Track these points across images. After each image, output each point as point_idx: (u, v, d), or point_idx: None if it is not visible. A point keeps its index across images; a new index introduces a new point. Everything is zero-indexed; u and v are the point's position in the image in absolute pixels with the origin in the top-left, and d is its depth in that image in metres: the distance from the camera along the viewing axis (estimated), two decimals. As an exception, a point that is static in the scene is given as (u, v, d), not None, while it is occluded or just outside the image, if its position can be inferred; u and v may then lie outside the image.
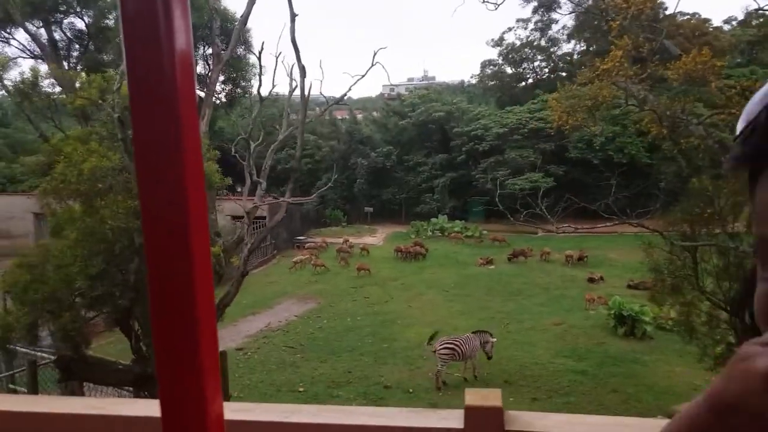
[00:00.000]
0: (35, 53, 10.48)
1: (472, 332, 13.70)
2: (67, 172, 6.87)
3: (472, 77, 50.10)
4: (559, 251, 25.57)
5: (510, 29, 44.22)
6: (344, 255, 24.82)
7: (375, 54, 10.57)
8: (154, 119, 0.41)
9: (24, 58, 10.67)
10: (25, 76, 11.37)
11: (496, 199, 15.45)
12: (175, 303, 0.43)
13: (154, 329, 0.42)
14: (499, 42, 42.43)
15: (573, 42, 42.45)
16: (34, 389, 7.52)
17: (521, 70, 42.60)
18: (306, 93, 9.27)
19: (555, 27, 53.23)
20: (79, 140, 7.81)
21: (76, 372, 6.66)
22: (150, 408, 1.17)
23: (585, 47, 40.86)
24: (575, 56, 43.06)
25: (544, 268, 23.45)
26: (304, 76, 8.83)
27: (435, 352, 12.69)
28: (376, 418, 1.13)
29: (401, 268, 23.85)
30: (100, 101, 8.03)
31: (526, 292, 20.24)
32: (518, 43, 42.44)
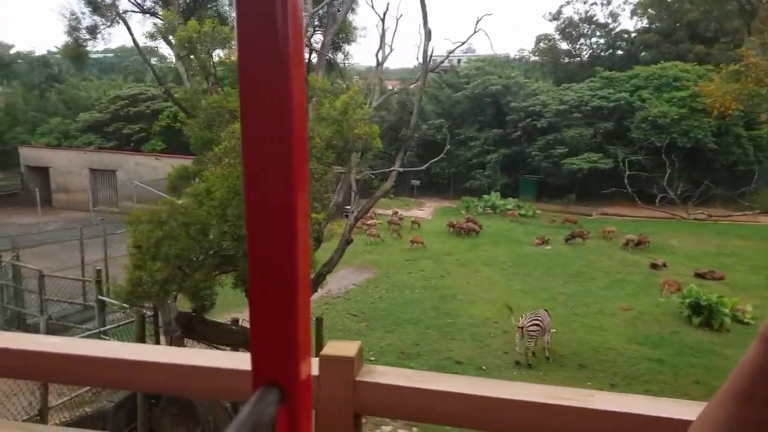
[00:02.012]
0: (146, 7, 10.29)
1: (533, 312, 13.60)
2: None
3: (519, 51, 48.50)
4: (616, 235, 24.92)
5: (568, 3, 42.50)
6: (395, 227, 24.67)
7: (478, 21, 10.04)
8: (262, 80, 0.41)
9: (134, 12, 10.47)
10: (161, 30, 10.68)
11: (625, 181, 14.84)
12: (275, 262, 0.44)
13: (251, 286, 0.43)
14: (556, 16, 40.89)
15: (635, 18, 40.65)
16: (141, 342, 7.63)
17: (578, 46, 41.04)
18: (428, 57, 8.90)
19: (615, 2, 51.06)
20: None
21: (196, 330, 6.67)
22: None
23: (648, 24, 39.05)
24: (632, 34, 41.26)
25: (603, 251, 22.85)
26: (429, 40, 8.43)
27: (522, 328, 12.55)
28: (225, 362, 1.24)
29: (454, 244, 23.57)
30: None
31: (587, 275, 19.77)
32: (576, 17, 40.85)
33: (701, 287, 16.98)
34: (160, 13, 9.65)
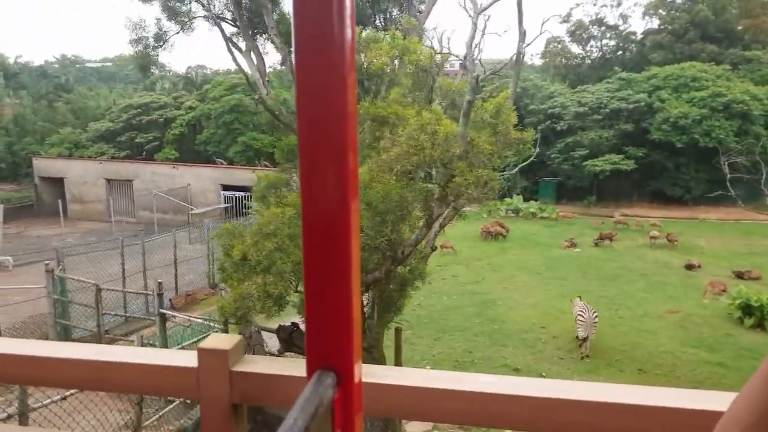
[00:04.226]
0: (215, 13, 9.99)
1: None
2: (420, 137, 6.42)
3: (533, 55, 48.46)
4: (641, 236, 24.80)
5: (578, 5, 42.58)
6: (422, 232, 24.46)
7: (543, 23, 9.87)
8: (319, 87, 0.44)
9: (201, 18, 10.20)
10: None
11: (729, 182, 14.61)
12: (330, 260, 0.47)
13: (307, 281, 0.47)
14: (566, 18, 40.86)
15: (646, 19, 40.66)
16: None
17: (588, 48, 41.05)
18: (521, 58, 8.71)
19: (625, 3, 51.26)
20: (399, 104, 7.38)
21: (296, 344, 6.39)
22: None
23: (660, 24, 39.06)
24: (639, 35, 41.32)
25: (634, 252, 22.66)
26: (523, 41, 8.22)
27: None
28: (124, 356, 1.29)
29: (483, 248, 23.34)
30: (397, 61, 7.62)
31: (624, 278, 19.56)
32: (587, 20, 40.85)
33: (738, 287, 16.83)
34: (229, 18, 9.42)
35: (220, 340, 1.32)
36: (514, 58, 8.59)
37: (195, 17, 10.44)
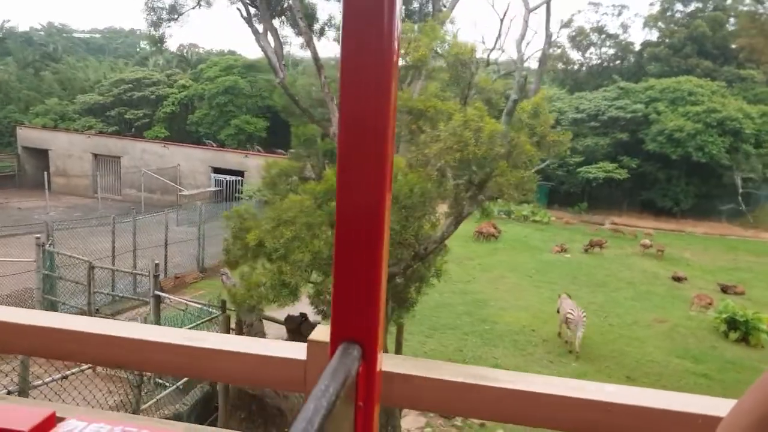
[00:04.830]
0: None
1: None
2: (464, 133, 6.26)
3: (528, 58, 48.60)
4: (630, 246, 25.09)
5: (579, 11, 42.66)
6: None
7: (562, 26, 9.72)
8: (363, 82, 0.44)
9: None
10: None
11: (741, 196, 14.75)
12: (363, 243, 0.47)
13: (336, 259, 0.47)
14: (567, 24, 41.00)
15: (646, 30, 41.01)
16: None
17: (587, 55, 41.27)
18: (545, 59, 8.60)
19: (626, 13, 51.58)
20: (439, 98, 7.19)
21: (305, 335, 6.26)
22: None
23: (657, 38, 39.43)
24: (638, 46, 41.72)
25: (623, 261, 22.89)
26: (549, 44, 8.10)
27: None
28: (232, 345, 1.23)
29: (474, 248, 23.35)
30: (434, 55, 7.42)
31: (612, 285, 19.75)
32: (588, 27, 41.06)
33: (725, 302, 17.10)
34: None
35: (325, 332, 1.23)
36: (539, 58, 8.52)
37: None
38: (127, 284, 14.51)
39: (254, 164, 27.47)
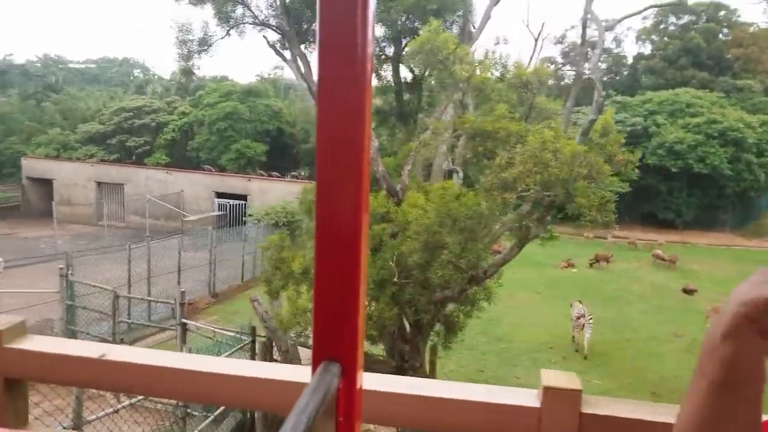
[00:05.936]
0: (261, 19, 9.79)
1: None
2: (544, 155, 6.32)
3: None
4: (636, 259, 25.19)
5: (572, 27, 43.37)
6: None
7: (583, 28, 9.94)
8: (339, 98, 0.45)
9: (248, 23, 9.96)
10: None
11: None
12: (341, 261, 0.49)
13: (317, 280, 0.49)
14: (560, 39, 41.66)
15: (639, 44, 41.72)
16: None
17: (582, 70, 41.80)
18: (581, 76, 8.75)
19: (618, 28, 52.44)
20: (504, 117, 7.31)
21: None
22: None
23: (651, 50, 40.09)
24: (630, 59, 42.41)
25: (630, 274, 22.93)
26: (584, 61, 8.24)
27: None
28: (456, 392, 1.25)
29: (482, 265, 23.38)
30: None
31: (623, 299, 19.74)
32: (579, 41, 41.72)
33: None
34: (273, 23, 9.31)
35: (566, 379, 1.27)
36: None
37: (243, 23, 10.30)
38: (141, 311, 14.42)
39: (257, 188, 27.56)
